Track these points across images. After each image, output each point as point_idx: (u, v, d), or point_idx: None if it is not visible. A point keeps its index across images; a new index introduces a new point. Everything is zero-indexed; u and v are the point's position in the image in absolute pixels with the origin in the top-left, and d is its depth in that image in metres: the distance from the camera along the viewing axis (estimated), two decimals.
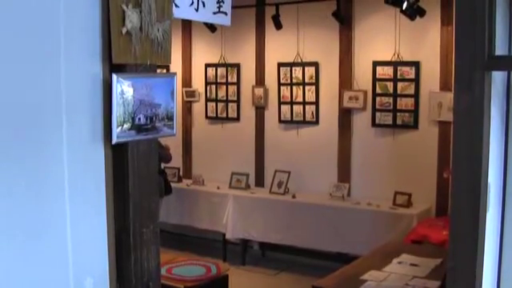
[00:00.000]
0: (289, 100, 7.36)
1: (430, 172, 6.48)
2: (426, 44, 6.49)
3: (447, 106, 6.17)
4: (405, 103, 6.61)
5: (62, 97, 2.08)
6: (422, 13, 6.13)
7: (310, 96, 7.22)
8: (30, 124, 1.99)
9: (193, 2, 2.71)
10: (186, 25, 8.05)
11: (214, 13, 2.86)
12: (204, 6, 2.77)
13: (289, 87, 7.34)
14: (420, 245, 5.57)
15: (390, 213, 6.34)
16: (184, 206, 7.65)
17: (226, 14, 2.91)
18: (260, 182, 7.69)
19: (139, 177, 2.31)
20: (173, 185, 7.42)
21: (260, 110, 7.67)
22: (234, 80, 7.82)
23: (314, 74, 7.17)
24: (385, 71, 6.69)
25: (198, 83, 8.17)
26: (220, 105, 7.95)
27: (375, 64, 6.73)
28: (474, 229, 2.75)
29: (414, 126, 6.59)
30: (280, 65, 7.37)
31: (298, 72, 7.26)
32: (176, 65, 7.99)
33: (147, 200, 2.37)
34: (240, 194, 7.34)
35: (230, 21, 2.94)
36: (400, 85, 6.62)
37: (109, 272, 2.28)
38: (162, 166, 7.11)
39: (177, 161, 7.87)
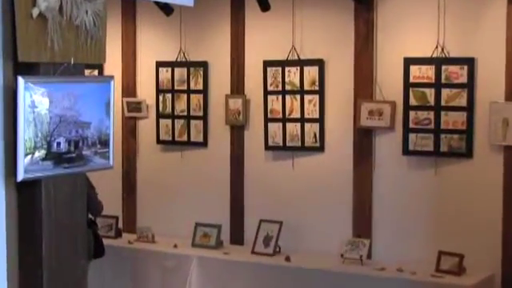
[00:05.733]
0: (280, 116, 7.38)
1: (491, 223, 6.50)
2: (483, 33, 6.54)
3: None
4: (453, 120, 6.64)
5: None
6: None
7: (312, 110, 7.24)
8: None
9: None
10: (129, 5, 8.08)
11: None
12: None
13: (280, 97, 7.36)
14: None
15: (433, 283, 6.35)
16: (125, 274, 7.61)
17: None
18: (238, 237, 7.70)
19: (58, 231, 2.29)
20: (108, 241, 7.37)
21: (238, 131, 7.69)
22: (200, 86, 7.84)
23: (317, 78, 7.20)
24: (422, 73, 6.73)
25: (145, 91, 8.19)
26: (178, 123, 7.96)
27: (408, 62, 6.77)
28: None
29: (467, 153, 6.61)
30: (267, 64, 7.40)
31: (293, 74, 7.29)
32: (114, 64, 7.98)
33: (69, 266, 2.35)
34: (208, 255, 7.33)
35: None
36: (445, 93, 6.66)
37: None
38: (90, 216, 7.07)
39: (114, 207, 7.83)
